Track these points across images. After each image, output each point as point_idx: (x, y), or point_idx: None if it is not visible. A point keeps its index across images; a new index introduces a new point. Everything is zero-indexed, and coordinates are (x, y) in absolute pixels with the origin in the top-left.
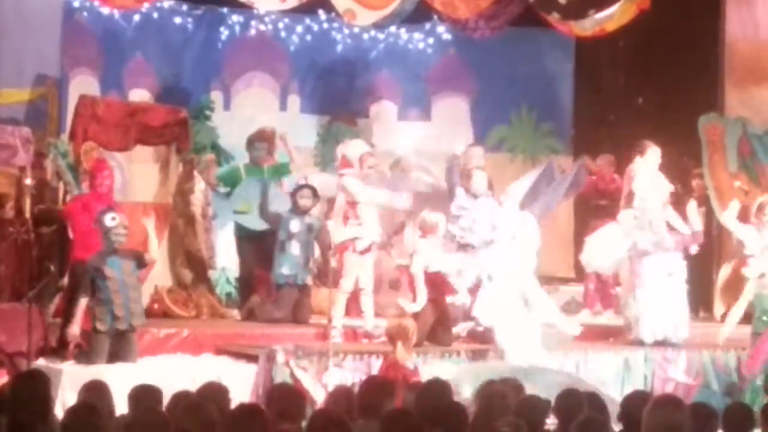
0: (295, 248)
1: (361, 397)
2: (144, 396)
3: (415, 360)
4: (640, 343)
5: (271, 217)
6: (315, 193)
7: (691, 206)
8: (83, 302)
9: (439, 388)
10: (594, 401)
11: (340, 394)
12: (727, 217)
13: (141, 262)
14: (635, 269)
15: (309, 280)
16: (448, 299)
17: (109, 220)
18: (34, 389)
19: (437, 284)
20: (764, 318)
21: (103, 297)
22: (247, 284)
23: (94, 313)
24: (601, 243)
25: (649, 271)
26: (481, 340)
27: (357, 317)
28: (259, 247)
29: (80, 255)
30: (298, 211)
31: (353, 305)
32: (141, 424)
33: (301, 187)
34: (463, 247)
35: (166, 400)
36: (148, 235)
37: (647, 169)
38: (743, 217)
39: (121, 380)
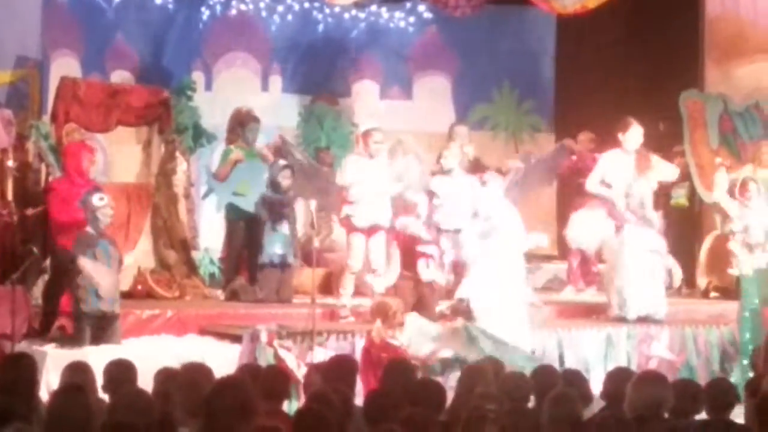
0: (285, 228)
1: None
2: (118, 372)
3: (400, 338)
4: (623, 319)
5: (266, 200)
6: (293, 173)
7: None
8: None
9: (403, 368)
10: (570, 377)
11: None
12: (718, 193)
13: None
14: (617, 244)
15: (294, 260)
16: (427, 278)
17: (97, 200)
18: (21, 372)
19: (414, 262)
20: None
21: (87, 278)
22: (233, 266)
23: (77, 294)
24: (586, 220)
25: (630, 246)
26: (466, 318)
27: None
28: (247, 230)
29: (61, 239)
30: (279, 191)
31: (337, 284)
32: (125, 405)
33: (282, 168)
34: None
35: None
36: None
37: (616, 156)
38: (730, 194)
39: (105, 362)
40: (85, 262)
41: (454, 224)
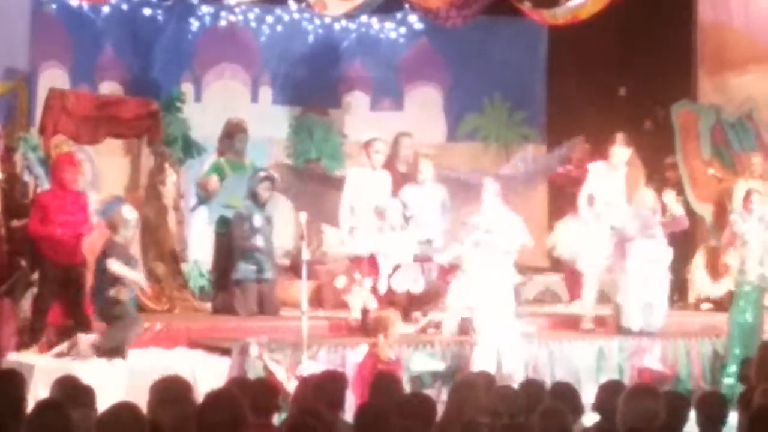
0: (260, 242)
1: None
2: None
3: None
4: (626, 331)
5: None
6: (273, 185)
7: (669, 196)
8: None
9: (389, 381)
10: (561, 390)
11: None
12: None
13: None
14: (620, 255)
15: (272, 274)
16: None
17: (128, 212)
18: (9, 389)
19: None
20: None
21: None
22: (222, 279)
23: (117, 300)
24: (567, 231)
25: (633, 258)
26: (457, 331)
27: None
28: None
29: (47, 252)
30: (258, 203)
31: (328, 297)
32: (113, 419)
33: (262, 179)
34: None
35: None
36: None
37: (603, 171)
38: (722, 205)
39: (93, 375)
40: (121, 268)
41: (427, 234)
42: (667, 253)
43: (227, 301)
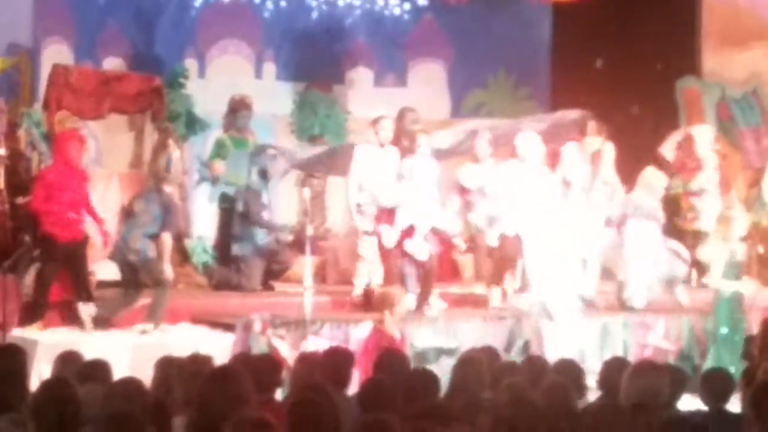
0: (267, 218)
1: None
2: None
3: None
4: (631, 309)
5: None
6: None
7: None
8: None
9: (396, 357)
10: (564, 367)
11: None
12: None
13: None
14: (618, 233)
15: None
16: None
17: None
18: (10, 364)
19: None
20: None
21: None
22: (225, 254)
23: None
24: None
25: (630, 236)
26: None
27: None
28: None
29: (48, 228)
30: (266, 180)
31: (332, 273)
32: (119, 393)
33: (272, 157)
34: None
35: (144, 369)
36: None
37: (575, 153)
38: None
39: (97, 350)
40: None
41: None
42: (657, 231)
43: (230, 276)
